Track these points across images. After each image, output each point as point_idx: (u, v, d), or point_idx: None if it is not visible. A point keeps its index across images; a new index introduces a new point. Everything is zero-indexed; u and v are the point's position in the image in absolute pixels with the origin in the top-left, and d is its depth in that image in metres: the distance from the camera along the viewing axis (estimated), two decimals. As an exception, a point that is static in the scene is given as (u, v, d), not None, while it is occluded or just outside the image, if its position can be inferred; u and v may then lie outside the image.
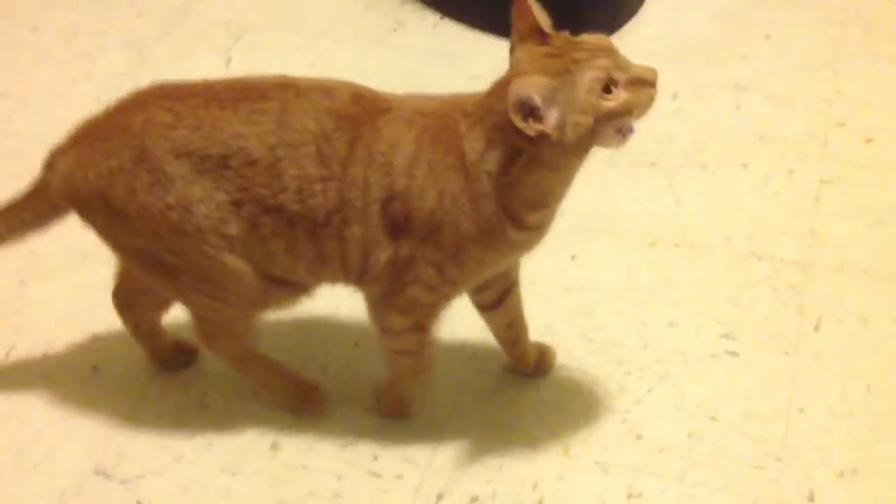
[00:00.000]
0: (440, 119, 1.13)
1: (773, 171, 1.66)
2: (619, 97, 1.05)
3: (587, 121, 1.04)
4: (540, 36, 1.07)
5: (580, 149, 1.07)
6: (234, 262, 1.17)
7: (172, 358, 1.40)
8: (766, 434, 1.29)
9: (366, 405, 1.34)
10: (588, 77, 1.04)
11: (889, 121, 1.71)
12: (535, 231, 1.16)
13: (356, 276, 1.18)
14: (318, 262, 1.17)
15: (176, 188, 1.13)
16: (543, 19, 1.08)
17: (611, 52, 1.07)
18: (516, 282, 1.29)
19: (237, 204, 1.14)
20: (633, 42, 1.85)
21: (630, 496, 1.24)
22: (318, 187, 1.13)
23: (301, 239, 1.15)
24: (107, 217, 1.17)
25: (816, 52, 1.85)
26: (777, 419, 1.30)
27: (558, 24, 1.08)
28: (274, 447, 1.31)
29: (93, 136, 1.17)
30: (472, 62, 1.84)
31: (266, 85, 1.16)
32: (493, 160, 1.09)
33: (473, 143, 1.10)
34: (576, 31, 1.08)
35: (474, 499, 1.25)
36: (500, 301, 1.29)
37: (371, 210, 1.13)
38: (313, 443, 1.31)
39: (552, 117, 1.03)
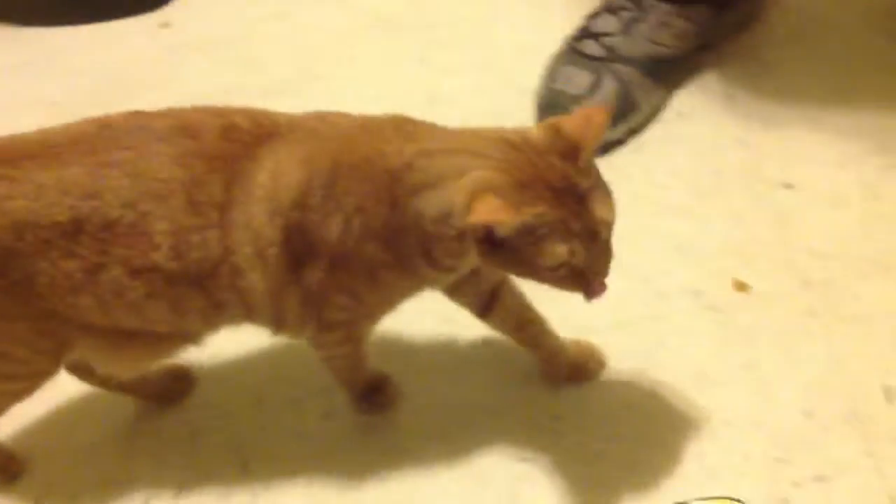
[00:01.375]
0: (347, 140, 0.99)
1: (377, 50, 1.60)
2: (557, 255, 0.93)
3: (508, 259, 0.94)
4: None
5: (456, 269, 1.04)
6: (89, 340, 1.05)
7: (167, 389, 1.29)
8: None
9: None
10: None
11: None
12: (449, 272, 1.05)
13: (273, 327, 1.08)
14: (213, 311, 1.04)
15: (17, 262, 0.97)
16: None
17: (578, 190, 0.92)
18: (502, 283, 1.16)
19: (94, 270, 0.98)
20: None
21: None
22: (195, 239, 0.97)
23: (187, 295, 1.01)
24: None
25: None
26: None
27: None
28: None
29: None
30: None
31: (116, 129, 1.00)
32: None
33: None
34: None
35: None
36: (489, 307, 1.17)
37: (269, 254, 0.99)
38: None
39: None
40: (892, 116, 1.42)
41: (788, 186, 1.39)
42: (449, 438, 1.23)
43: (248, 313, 1.05)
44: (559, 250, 0.91)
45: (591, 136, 0.91)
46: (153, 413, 1.28)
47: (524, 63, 1.58)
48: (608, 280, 0.99)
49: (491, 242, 0.92)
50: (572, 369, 1.23)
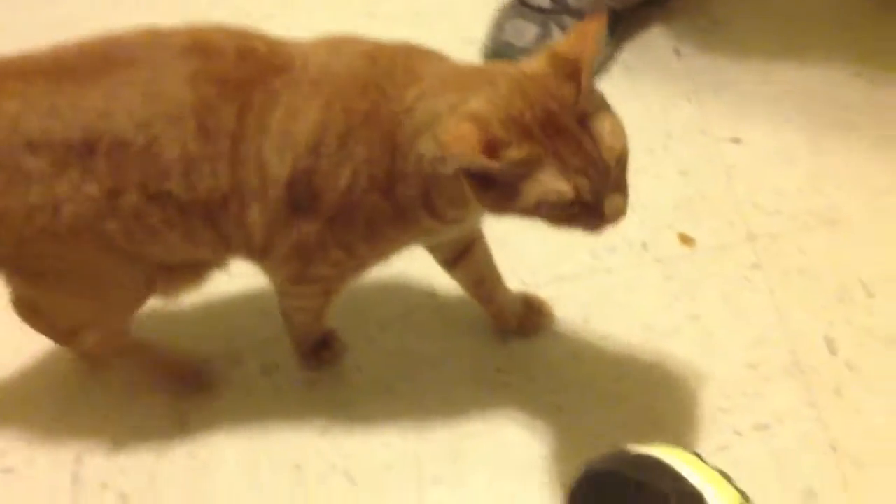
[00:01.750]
0: (359, 83, 0.93)
1: None
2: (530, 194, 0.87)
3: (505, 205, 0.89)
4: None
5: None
6: (117, 260, 1.01)
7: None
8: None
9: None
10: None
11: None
12: (453, 224, 1.01)
13: (259, 256, 1.04)
14: (222, 245, 1.02)
15: (37, 186, 0.94)
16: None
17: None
18: (478, 237, 1.15)
19: (113, 194, 0.94)
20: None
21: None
22: (206, 168, 0.94)
23: (198, 226, 0.98)
24: None
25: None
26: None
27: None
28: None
29: None
30: None
31: (129, 47, 0.95)
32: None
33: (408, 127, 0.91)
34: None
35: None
36: (459, 259, 1.15)
37: (271, 191, 0.96)
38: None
39: None
40: (840, 72, 1.42)
41: (736, 141, 1.38)
42: (393, 391, 1.22)
43: (248, 248, 1.02)
44: (562, 188, 0.85)
45: (588, 49, 0.86)
46: (88, 370, 1.24)
47: (472, 14, 1.55)
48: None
49: (484, 180, 0.86)
50: (521, 322, 1.22)
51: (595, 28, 0.87)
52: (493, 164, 0.84)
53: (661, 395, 1.17)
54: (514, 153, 0.84)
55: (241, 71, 0.94)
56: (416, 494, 1.13)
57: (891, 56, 1.43)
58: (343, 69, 0.94)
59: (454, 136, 0.84)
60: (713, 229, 1.30)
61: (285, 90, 0.93)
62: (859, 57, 1.44)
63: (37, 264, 1.01)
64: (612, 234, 1.28)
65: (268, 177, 0.94)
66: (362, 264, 1.06)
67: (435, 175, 0.91)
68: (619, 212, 0.89)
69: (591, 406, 1.18)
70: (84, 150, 0.92)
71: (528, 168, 0.85)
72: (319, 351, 1.22)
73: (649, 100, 1.44)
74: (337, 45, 0.97)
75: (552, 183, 0.85)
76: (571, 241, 1.27)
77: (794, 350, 1.18)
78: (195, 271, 1.10)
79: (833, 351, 1.17)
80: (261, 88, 0.93)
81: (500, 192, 0.86)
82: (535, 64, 0.89)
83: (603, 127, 0.86)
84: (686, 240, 1.30)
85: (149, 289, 1.08)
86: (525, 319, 1.23)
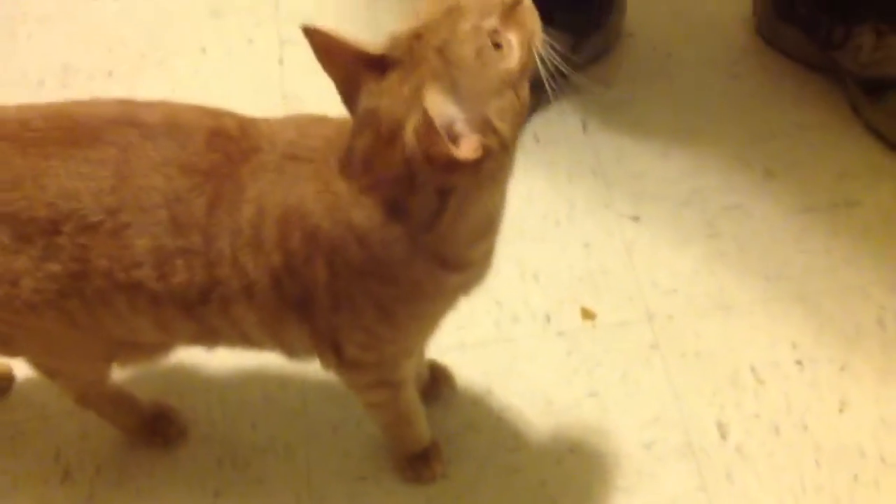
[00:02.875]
0: (316, 166, 0.87)
1: (232, 45, 1.67)
2: (512, 43, 0.79)
3: (508, 97, 0.79)
4: (374, 64, 0.79)
5: (515, 137, 0.81)
6: (79, 336, 0.96)
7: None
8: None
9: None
10: (470, 54, 0.77)
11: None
12: (480, 264, 0.92)
13: (283, 352, 0.98)
14: (209, 337, 0.96)
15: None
16: (362, 43, 0.80)
17: (459, 8, 0.78)
18: None
19: (78, 276, 0.88)
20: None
21: None
22: (179, 262, 0.87)
23: (174, 317, 0.91)
24: None
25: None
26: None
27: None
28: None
29: None
30: None
31: (101, 121, 0.89)
32: (409, 226, 0.82)
33: (369, 214, 0.83)
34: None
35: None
36: None
37: (256, 291, 0.88)
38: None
39: (477, 123, 0.77)
40: (732, 157, 1.48)
41: (635, 219, 1.42)
42: (290, 453, 1.20)
43: (247, 341, 0.96)
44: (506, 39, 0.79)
45: None
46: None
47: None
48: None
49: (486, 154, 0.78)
50: (424, 391, 1.21)
51: None
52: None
53: (559, 471, 1.18)
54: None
55: (210, 159, 0.88)
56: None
57: (778, 141, 1.49)
58: (306, 151, 0.89)
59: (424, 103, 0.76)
60: (614, 305, 1.33)
61: (251, 181, 0.88)
62: (750, 141, 1.50)
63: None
64: (516, 304, 1.32)
65: (247, 280, 0.88)
66: (399, 347, 0.98)
67: (438, 233, 0.83)
68: None
69: (486, 476, 1.18)
70: (49, 228, 0.87)
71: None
72: (415, 463, 1.17)
73: (557, 170, 1.47)
74: (303, 125, 0.92)
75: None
76: (478, 310, 1.30)
77: (688, 432, 1.21)
78: (164, 348, 1.06)
79: (724, 435, 1.21)
80: (229, 178, 0.88)
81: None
82: None
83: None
84: (588, 314, 1.32)
85: (108, 361, 1.06)
86: (429, 388, 1.23)
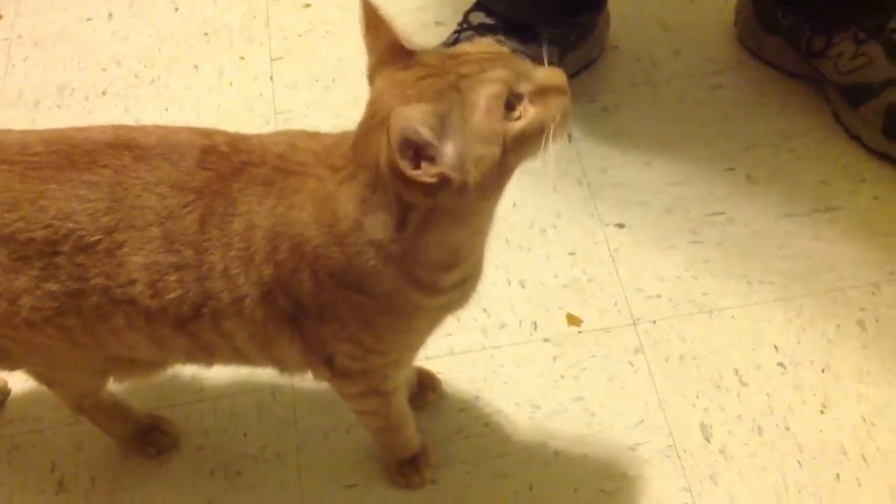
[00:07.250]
0: (303, 178, 0.89)
1: (224, 62, 1.69)
2: (528, 113, 0.81)
3: (492, 151, 0.80)
4: (404, 56, 0.84)
5: (488, 189, 0.82)
6: (77, 352, 0.99)
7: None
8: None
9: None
10: (484, 95, 0.79)
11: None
12: (458, 290, 0.94)
13: (275, 368, 1.02)
14: (202, 354, 0.99)
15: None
16: (404, 34, 0.84)
17: (505, 58, 0.83)
18: None
19: (75, 295, 0.91)
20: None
21: None
22: (172, 278, 0.90)
23: (168, 334, 0.94)
24: None
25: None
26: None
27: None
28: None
29: None
30: None
31: (97, 145, 0.92)
32: (375, 227, 0.85)
33: (346, 209, 0.86)
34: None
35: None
36: None
37: (246, 305, 0.91)
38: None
39: (447, 154, 0.78)
40: (715, 165, 1.50)
41: (620, 227, 1.44)
42: (281, 461, 1.22)
43: (239, 357, 0.99)
44: (524, 108, 0.82)
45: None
46: None
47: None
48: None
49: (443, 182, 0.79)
50: (412, 398, 1.23)
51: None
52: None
53: (546, 474, 1.20)
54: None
55: (201, 177, 0.91)
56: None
57: (760, 149, 1.52)
58: (296, 166, 0.92)
59: (402, 111, 0.78)
60: (599, 311, 1.35)
61: (241, 195, 0.90)
62: (732, 148, 1.52)
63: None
64: (503, 311, 1.34)
65: (238, 294, 0.91)
66: (381, 357, 1.00)
67: (401, 246, 0.86)
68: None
69: (474, 481, 1.20)
70: (47, 249, 0.90)
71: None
72: (405, 469, 1.20)
73: (543, 180, 1.49)
74: (293, 140, 0.94)
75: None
76: (465, 318, 1.32)
77: (673, 434, 1.23)
78: (160, 365, 1.08)
79: (708, 437, 1.23)
80: (220, 194, 0.90)
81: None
82: None
83: None
84: (574, 320, 1.34)
85: (104, 375, 1.08)
86: (416, 395, 1.25)
